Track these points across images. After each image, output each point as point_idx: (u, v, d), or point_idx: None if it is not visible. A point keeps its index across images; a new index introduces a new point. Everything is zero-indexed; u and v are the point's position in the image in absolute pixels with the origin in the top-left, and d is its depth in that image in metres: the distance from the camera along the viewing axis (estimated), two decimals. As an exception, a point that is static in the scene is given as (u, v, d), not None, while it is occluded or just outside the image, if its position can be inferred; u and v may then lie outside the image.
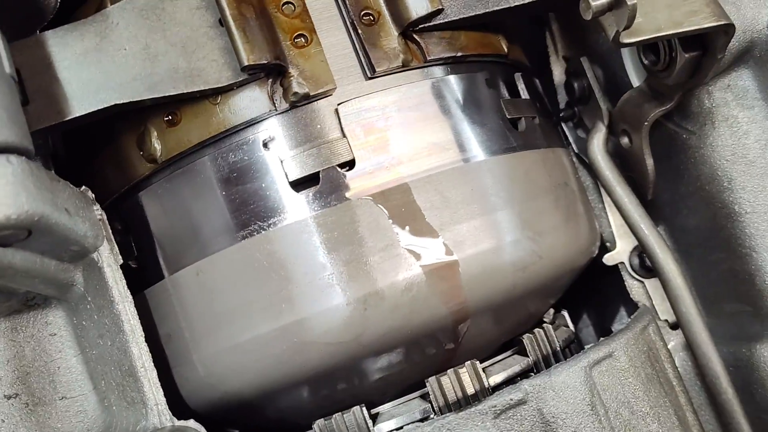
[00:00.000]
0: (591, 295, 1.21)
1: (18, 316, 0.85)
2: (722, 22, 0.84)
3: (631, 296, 1.10)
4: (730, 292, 1.01)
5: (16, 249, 0.71)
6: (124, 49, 0.80)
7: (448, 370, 0.86)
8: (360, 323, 0.80)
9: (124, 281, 0.84)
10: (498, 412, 0.78)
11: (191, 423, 0.82)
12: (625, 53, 1.05)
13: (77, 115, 0.79)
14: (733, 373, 1.00)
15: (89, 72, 0.79)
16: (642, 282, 1.10)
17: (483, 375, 0.86)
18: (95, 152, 0.92)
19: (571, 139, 1.14)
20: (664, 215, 1.08)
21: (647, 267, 1.08)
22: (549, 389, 0.80)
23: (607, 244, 1.11)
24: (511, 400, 0.79)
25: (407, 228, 0.81)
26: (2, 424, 0.84)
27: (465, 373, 0.86)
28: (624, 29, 0.80)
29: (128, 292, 0.83)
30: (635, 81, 1.04)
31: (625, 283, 1.10)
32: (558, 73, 1.15)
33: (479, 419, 0.78)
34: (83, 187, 0.82)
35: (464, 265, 0.82)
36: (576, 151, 1.14)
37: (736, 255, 0.98)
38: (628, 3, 0.77)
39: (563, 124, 1.15)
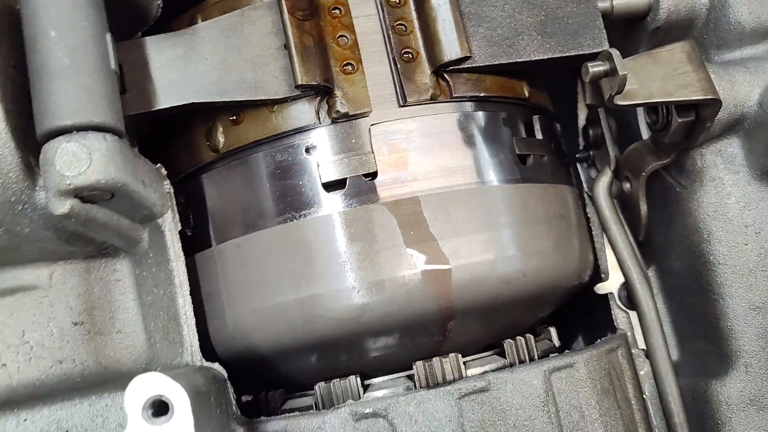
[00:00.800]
0: (585, 318, 1.30)
1: (92, 260, 1.00)
2: (709, 97, 0.96)
3: (616, 324, 1.19)
4: (700, 332, 1.11)
5: (100, 206, 0.86)
6: (206, 59, 0.94)
7: (434, 358, 0.97)
8: (362, 305, 0.93)
9: (180, 245, 0.96)
10: (462, 394, 0.90)
11: (216, 366, 0.95)
12: (640, 109, 1.17)
13: (162, 107, 0.94)
14: (691, 402, 1.10)
15: (176, 74, 0.94)
16: (627, 313, 1.19)
17: (462, 367, 0.98)
18: (171, 136, 1.06)
19: (582, 178, 1.25)
20: (656, 257, 1.19)
21: (632, 300, 1.19)
22: (509, 383, 0.92)
23: (602, 275, 1.20)
24: (475, 386, 0.91)
25: (412, 234, 0.93)
26: (67, 344, 0.97)
27: (448, 362, 0.97)
28: (616, 94, 0.94)
29: (182, 254, 0.96)
30: (644, 134, 1.15)
31: (612, 312, 1.19)
32: (582, 117, 1.26)
33: (445, 397, 0.90)
34: (158, 164, 0.97)
35: (456, 272, 0.93)
36: (586, 189, 1.25)
37: (707, 300, 1.09)
38: (620, 73, 0.91)
39: (578, 164, 1.26)
